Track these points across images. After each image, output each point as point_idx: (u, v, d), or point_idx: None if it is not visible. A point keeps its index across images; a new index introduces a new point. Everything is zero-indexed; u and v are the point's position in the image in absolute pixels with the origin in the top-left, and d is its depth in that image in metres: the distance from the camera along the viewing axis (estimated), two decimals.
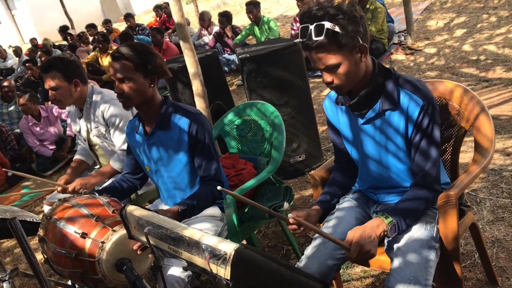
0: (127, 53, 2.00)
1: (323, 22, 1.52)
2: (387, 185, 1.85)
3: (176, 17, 3.30)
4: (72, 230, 1.83)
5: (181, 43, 3.34)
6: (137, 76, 2.02)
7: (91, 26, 10.95)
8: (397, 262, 1.61)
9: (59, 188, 2.53)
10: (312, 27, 1.54)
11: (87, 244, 1.80)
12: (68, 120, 5.93)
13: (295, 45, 3.48)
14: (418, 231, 1.67)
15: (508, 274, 2.23)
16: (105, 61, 7.83)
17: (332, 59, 1.58)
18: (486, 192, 2.89)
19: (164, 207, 2.33)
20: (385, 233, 1.61)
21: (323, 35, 1.52)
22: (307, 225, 1.60)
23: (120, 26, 14.72)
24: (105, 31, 10.62)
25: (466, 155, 3.14)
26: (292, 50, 3.47)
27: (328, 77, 1.64)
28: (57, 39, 14.37)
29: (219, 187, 1.41)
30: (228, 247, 1.15)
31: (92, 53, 8.36)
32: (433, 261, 1.61)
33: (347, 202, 1.94)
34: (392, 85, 1.68)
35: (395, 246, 1.66)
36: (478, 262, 2.34)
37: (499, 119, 3.74)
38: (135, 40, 8.01)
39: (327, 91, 5.64)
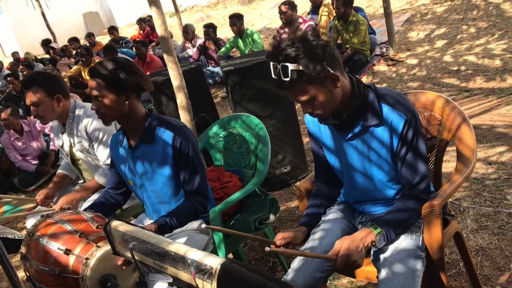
0: (99, 70, 2.01)
1: (286, 64, 1.53)
2: (373, 197, 1.86)
3: (159, 30, 3.31)
4: (55, 247, 1.81)
5: (165, 56, 3.34)
6: (109, 94, 2.01)
7: (73, 40, 10.88)
8: (384, 272, 1.61)
9: (48, 212, 2.48)
10: (279, 66, 1.56)
11: (71, 260, 1.77)
12: (52, 135, 5.87)
13: None
14: (404, 241, 1.68)
15: (493, 282, 2.25)
16: (89, 71, 7.78)
17: (305, 95, 1.61)
18: (469, 201, 2.92)
19: (149, 221, 2.31)
20: (373, 243, 1.61)
21: (289, 76, 1.54)
22: (289, 253, 1.61)
23: (103, 39, 14.66)
24: (88, 44, 10.57)
25: (449, 165, 3.17)
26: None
27: (307, 109, 1.67)
28: (39, 52, 14.25)
29: (203, 225, 1.42)
30: (214, 262, 1.15)
31: (75, 67, 8.31)
32: (420, 271, 1.62)
33: (332, 214, 1.95)
34: (374, 100, 1.70)
35: (382, 256, 1.67)
36: (463, 270, 2.36)
37: (480, 128, 3.80)
38: (118, 53, 7.98)
39: None
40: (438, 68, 5.61)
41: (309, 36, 1.56)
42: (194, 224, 2.19)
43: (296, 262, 1.81)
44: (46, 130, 5.92)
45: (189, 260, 1.19)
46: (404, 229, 1.71)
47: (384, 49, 6.59)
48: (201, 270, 1.17)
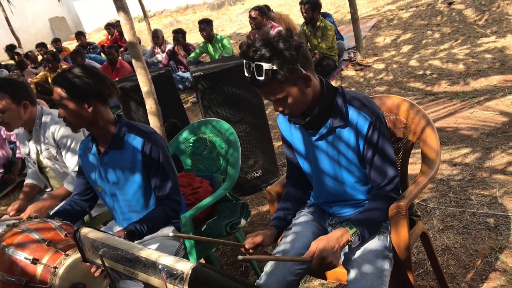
0: (59, 80, 2.01)
1: (261, 63, 1.56)
2: (342, 198, 1.90)
3: (128, 36, 3.28)
4: (22, 257, 1.77)
5: (134, 61, 3.31)
6: (70, 103, 2.00)
7: (41, 45, 10.65)
8: (353, 273, 1.64)
9: (12, 213, 2.43)
10: (253, 65, 1.59)
11: (39, 270, 1.74)
12: (18, 142, 5.71)
13: None
14: (373, 242, 1.72)
15: (458, 280, 2.32)
16: (52, 81, 7.64)
17: (277, 94, 1.64)
18: (435, 201, 3.00)
19: (119, 229, 2.28)
20: (349, 243, 1.64)
21: (263, 75, 1.57)
22: (263, 258, 1.62)
23: (70, 44, 14.43)
24: (54, 50, 10.38)
25: (415, 167, 3.25)
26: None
27: (278, 107, 1.71)
28: (3, 58, 13.89)
29: (171, 234, 1.42)
30: (185, 266, 1.15)
31: (41, 73, 8.14)
32: (388, 271, 1.66)
33: (303, 217, 1.97)
34: (341, 102, 1.74)
35: (351, 258, 1.70)
36: (430, 270, 2.42)
37: (445, 131, 3.91)
38: (86, 59, 7.87)
39: None
40: (404, 73, 5.74)
41: (283, 37, 1.59)
42: (165, 231, 2.18)
43: (269, 266, 1.82)
44: (12, 138, 5.77)
45: (160, 265, 1.20)
46: (377, 229, 1.75)
47: (352, 54, 6.71)
48: (172, 275, 1.17)
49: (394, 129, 2.08)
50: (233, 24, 12.36)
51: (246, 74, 1.64)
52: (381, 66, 6.21)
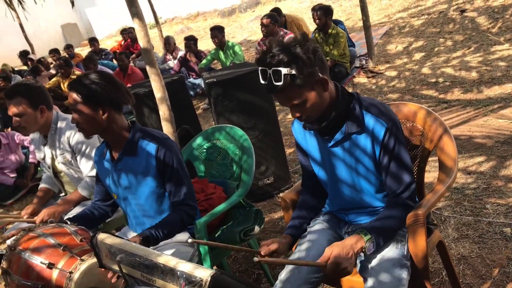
0: (75, 86, 2.02)
1: (279, 69, 1.56)
2: (358, 206, 1.88)
3: (142, 42, 3.30)
4: (38, 261, 1.78)
5: (148, 68, 3.33)
6: (85, 109, 2.01)
7: (54, 51, 10.75)
8: (370, 282, 1.63)
9: (25, 217, 2.44)
10: (270, 71, 1.58)
11: (54, 274, 1.75)
12: (31, 147, 5.76)
13: None
14: (390, 250, 1.70)
15: None
16: (67, 86, 7.70)
17: (296, 99, 1.63)
18: (450, 210, 2.97)
19: (132, 234, 2.29)
20: (363, 250, 1.62)
21: (282, 80, 1.57)
22: (278, 262, 1.61)
23: (82, 51, 14.56)
24: (67, 56, 10.47)
25: (429, 175, 3.22)
26: (258, 74, 3.50)
27: (295, 113, 1.70)
28: (16, 64, 14.04)
29: (190, 240, 1.41)
30: (204, 274, 1.14)
31: (54, 79, 8.21)
32: (406, 279, 1.64)
33: (318, 225, 1.96)
34: (357, 108, 1.73)
35: (368, 266, 1.69)
36: (445, 279, 2.39)
37: (459, 139, 3.88)
38: (98, 65, 7.93)
39: None
40: (417, 80, 5.72)
41: (300, 41, 1.59)
42: (180, 237, 2.18)
43: (284, 274, 1.80)
44: (25, 143, 5.82)
45: (178, 272, 1.19)
46: (392, 237, 1.73)
47: (364, 62, 6.70)
48: (191, 282, 1.16)
49: (410, 136, 2.07)
50: (244, 31, 12.40)
51: (262, 82, 1.63)
52: (393, 73, 6.19)
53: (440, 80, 5.52)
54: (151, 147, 2.08)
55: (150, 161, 2.08)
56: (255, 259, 1.50)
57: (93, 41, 10.67)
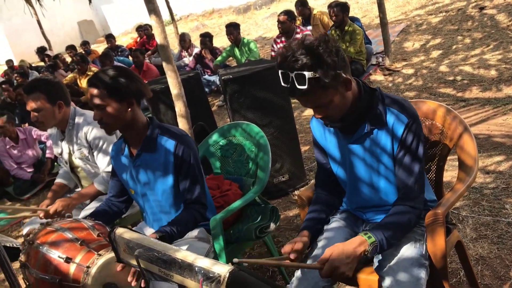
0: (99, 79, 2.01)
1: (303, 72, 1.53)
2: (376, 204, 1.86)
3: (159, 39, 3.31)
4: (56, 255, 1.79)
5: (164, 64, 3.34)
6: (111, 102, 2.01)
7: (71, 47, 10.85)
8: (388, 281, 1.61)
9: (42, 214, 2.46)
10: (292, 75, 1.55)
11: (72, 269, 1.75)
12: (48, 143, 5.83)
13: None
14: (408, 250, 1.68)
15: None
16: (84, 82, 7.76)
17: (320, 101, 1.61)
18: (468, 210, 2.93)
19: (149, 230, 2.30)
20: (366, 253, 1.59)
21: (306, 84, 1.54)
22: (257, 263, 1.58)
23: (98, 47, 14.67)
24: (83, 52, 10.56)
25: (447, 174, 3.18)
26: (275, 71, 3.46)
27: (319, 114, 1.67)
28: (33, 60, 14.20)
29: (235, 259, 1.40)
30: (222, 270, 1.14)
31: (70, 75, 8.29)
32: (424, 279, 1.62)
33: (335, 223, 1.94)
34: (379, 105, 1.71)
35: (386, 264, 1.66)
36: (463, 280, 2.36)
37: (477, 138, 3.82)
38: (115, 61, 7.97)
39: (308, 111, 5.70)
40: (434, 78, 5.65)
41: (322, 42, 1.56)
42: (194, 233, 2.18)
43: (300, 271, 1.80)
44: (42, 138, 5.89)
45: (196, 268, 1.19)
46: (399, 237, 1.70)
47: (380, 59, 6.64)
48: (209, 278, 1.16)
49: (429, 134, 2.04)
50: (259, 28, 12.38)
51: (284, 85, 1.60)
52: (410, 71, 6.12)
53: (458, 78, 5.44)
54: (169, 144, 2.08)
55: (169, 158, 2.08)
56: (235, 260, 1.43)
57: (109, 37, 10.74)
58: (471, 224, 2.78)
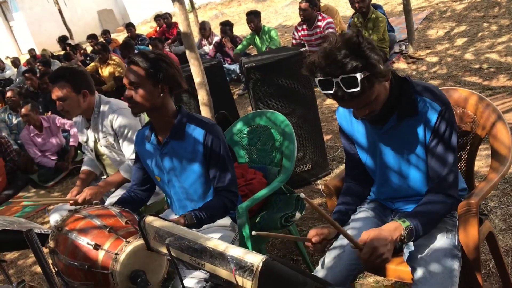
0: (139, 60, 2.00)
1: (355, 75, 1.46)
2: (406, 194, 1.82)
3: (182, 26, 3.30)
4: (84, 242, 1.79)
5: (187, 52, 3.32)
6: (146, 84, 2.00)
7: (92, 37, 10.91)
8: (420, 272, 1.57)
9: (71, 201, 2.49)
10: (337, 80, 1.48)
11: (100, 255, 1.75)
12: (72, 131, 5.89)
13: (300, 54, 3.48)
14: (440, 240, 1.64)
15: None
16: (105, 71, 7.81)
17: (369, 98, 1.56)
18: (497, 200, 2.87)
19: (175, 217, 2.30)
20: (402, 237, 1.55)
21: (359, 86, 1.47)
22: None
23: (118, 36, 14.75)
24: (104, 41, 10.62)
25: (477, 163, 3.11)
26: (298, 59, 3.46)
27: (363, 112, 1.61)
28: (54, 49, 14.36)
29: (253, 232, 1.38)
30: (255, 259, 1.12)
31: (92, 64, 8.34)
32: (457, 271, 1.58)
33: (363, 212, 1.91)
34: (410, 93, 1.66)
35: (417, 255, 1.63)
36: (493, 271, 2.31)
37: None
38: (135, 51, 7.99)
39: (330, 100, 5.63)
40: (459, 66, 5.53)
41: (361, 38, 1.49)
42: (222, 222, 2.18)
43: (325, 260, 1.78)
44: (66, 126, 5.96)
45: (228, 257, 1.17)
46: (432, 225, 1.66)
47: (403, 47, 6.52)
48: (242, 267, 1.14)
49: (460, 123, 1.99)
50: (279, 16, 12.29)
51: (325, 92, 1.54)
52: (434, 59, 6.00)
53: (484, 66, 5.32)
54: (198, 133, 2.07)
55: (197, 147, 2.07)
56: (253, 232, 1.42)
57: (129, 26, 10.77)
58: (500, 215, 2.73)
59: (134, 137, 2.61)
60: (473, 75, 5.18)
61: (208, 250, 1.23)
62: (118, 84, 7.27)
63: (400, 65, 6.13)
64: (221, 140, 2.08)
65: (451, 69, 5.54)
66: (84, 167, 3.03)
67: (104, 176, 3.02)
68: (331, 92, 1.52)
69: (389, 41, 6.18)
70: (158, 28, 11.02)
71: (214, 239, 1.26)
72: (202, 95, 3.38)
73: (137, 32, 11.27)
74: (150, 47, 8.59)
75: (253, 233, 1.37)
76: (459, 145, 2.00)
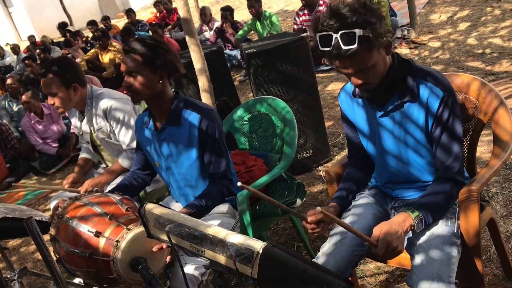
0: (137, 47, 1.97)
1: (354, 30, 1.46)
2: (406, 180, 1.82)
3: (182, 12, 3.27)
4: (85, 229, 1.79)
5: (187, 38, 3.30)
6: (145, 71, 1.98)
7: (92, 23, 10.83)
8: (419, 259, 1.57)
9: (67, 186, 2.48)
10: (337, 35, 1.48)
11: (101, 243, 1.76)
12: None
13: (302, 40, 3.45)
14: (439, 228, 1.64)
15: None
16: (105, 57, 7.78)
17: (365, 63, 1.54)
18: (498, 186, 2.86)
19: (176, 204, 2.30)
20: (412, 227, 1.56)
21: (356, 43, 1.47)
22: (333, 218, 1.55)
23: (118, 22, 14.64)
24: (104, 27, 10.55)
25: (478, 149, 3.10)
26: (300, 45, 3.43)
27: (358, 80, 1.60)
28: (54, 36, 14.27)
29: (239, 183, 1.37)
30: (256, 245, 1.12)
31: (92, 50, 8.30)
32: (455, 258, 1.58)
33: (363, 199, 1.91)
34: (412, 77, 1.65)
35: (416, 242, 1.63)
36: (493, 257, 2.32)
37: None
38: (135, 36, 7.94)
39: (331, 85, 5.62)
40: (462, 51, 5.48)
41: (369, 1, 1.50)
42: (221, 208, 2.18)
43: (326, 246, 1.78)
44: (67, 113, 5.92)
45: (228, 244, 1.17)
46: (441, 213, 1.66)
47: (406, 32, 6.47)
48: (242, 254, 1.14)
49: (463, 109, 1.97)
50: (280, 1, 12.18)
51: (323, 48, 1.54)
52: (436, 44, 5.95)
53: (487, 51, 5.27)
54: (194, 117, 2.06)
55: (193, 131, 2.06)
56: (239, 183, 1.39)
57: (129, 12, 10.70)
58: (501, 201, 2.72)
59: (131, 123, 2.60)
60: (475, 60, 5.14)
61: (208, 237, 1.23)
62: (118, 71, 7.25)
63: (403, 50, 6.08)
64: (216, 125, 2.07)
65: (453, 54, 5.50)
66: (82, 155, 3.01)
67: (103, 165, 3.00)
68: (329, 49, 1.52)
69: (391, 26, 6.11)
70: (158, 14, 10.95)
71: (214, 226, 1.26)
72: (203, 82, 3.36)
73: (137, 18, 11.20)
74: (150, 33, 8.54)
75: (238, 183, 1.36)
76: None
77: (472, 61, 5.16)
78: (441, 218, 1.66)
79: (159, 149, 2.16)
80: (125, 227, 1.77)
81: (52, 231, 1.92)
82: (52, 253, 1.92)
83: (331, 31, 1.50)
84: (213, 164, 2.11)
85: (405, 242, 1.69)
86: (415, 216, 1.56)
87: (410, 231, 1.60)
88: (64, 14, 15.04)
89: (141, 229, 1.71)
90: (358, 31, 1.46)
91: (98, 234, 1.76)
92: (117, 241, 1.73)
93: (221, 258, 1.21)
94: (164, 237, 1.35)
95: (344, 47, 1.49)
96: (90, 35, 10.88)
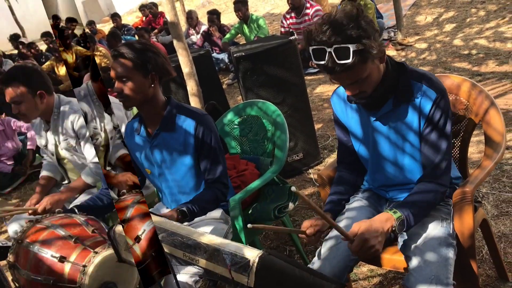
0: (126, 51, 1.92)
1: (347, 45, 1.45)
2: (400, 182, 1.81)
3: (169, 16, 3.23)
4: (48, 254, 1.68)
5: (175, 42, 3.27)
6: (136, 75, 1.93)
7: (46, 35, 9.75)
8: (416, 261, 1.56)
9: (30, 211, 2.33)
10: (331, 50, 1.47)
11: (67, 268, 1.65)
12: (29, 134, 5.44)
13: (290, 42, 3.44)
14: (435, 229, 1.63)
15: None
16: (61, 70, 7.52)
17: (360, 75, 1.53)
18: (489, 186, 2.87)
19: (166, 211, 2.26)
20: (393, 228, 1.54)
21: (350, 58, 1.46)
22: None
23: (104, 27, 14.51)
24: (89, 32, 10.43)
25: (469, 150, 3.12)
26: (288, 48, 3.42)
27: (354, 90, 1.59)
28: (6, 48, 13.73)
29: (249, 225, 1.35)
30: (251, 254, 1.10)
31: (47, 62, 7.96)
32: (452, 259, 1.57)
33: (357, 202, 1.89)
34: (406, 80, 1.64)
35: (412, 245, 1.62)
36: (486, 258, 2.32)
37: None
38: (122, 41, 7.88)
39: (320, 88, 5.62)
40: (448, 52, 5.53)
41: (360, 11, 1.49)
42: (214, 214, 2.15)
43: (322, 251, 1.76)
44: (22, 129, 5.50)
45: (223, 253, 1.15)
46: (424, 213, 1.64)
47: (392, 34, 6.51)
48: (237, 263, 1.12)
49: (453, 110, 1.97)
50: (266, 4, 12.19)
51: (317, 62, 1.52)
52: (423, 45, 5.99)
53: (473, 52, 5.32)
54: (189, 124, 2.03)
55: (188, 139, 2.03)
56: (249, 225, 1.39)
57: (115, 16, 10.60)
58: (492, 201, 2.73)
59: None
60: (462, 61, 5.18)
61: (202, 245, 1.21)
62: (105, 75, 7.17)
63: (390, 52, 6.11)
64: (212, 131, 2.04)
65: (440, 55, 5.53)
66: (43, 173, 2.81)
67: (66, 182, 2.84)
68: (323, 62, 1.50)
69: (377, 28, 6.15)
70: (144, 18, 10.87)
71: (208, 234, 1.23)
72: (191, 86, 3.33)
73: (122, 22, 11.09)
74: (137, 37, 8.46)
75: (249, 226, 1.34)
76: (453, 132, 1.98)
77: (458, 62, 5.20)
78: (427, 219, 1.65)
79: (151, 155, 2.12)
80: (92, 250, 1.67)
81: (10, 257, 1.80)
82: (10, 282, 1.79)
83: (325, 46, 1.48)
84: (209, 170, 2.08)
85: (400, 243, 1.68)
86: (397, 217, 1.54)
87: (392, 234, 1.57)
88: (16, 25, 14.60)
89: (109, 252, 1.62)
90: (352, 46, 1.45)
91: (62, 259, 1.66)
92: (84, 266, 1.63)
93: (216, 267, 1.19)
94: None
95: (338, 61, 1.48)
96: (45, 47, 10.33)
